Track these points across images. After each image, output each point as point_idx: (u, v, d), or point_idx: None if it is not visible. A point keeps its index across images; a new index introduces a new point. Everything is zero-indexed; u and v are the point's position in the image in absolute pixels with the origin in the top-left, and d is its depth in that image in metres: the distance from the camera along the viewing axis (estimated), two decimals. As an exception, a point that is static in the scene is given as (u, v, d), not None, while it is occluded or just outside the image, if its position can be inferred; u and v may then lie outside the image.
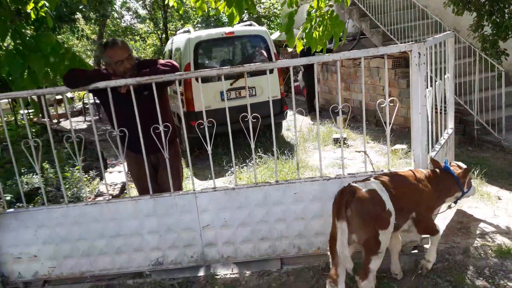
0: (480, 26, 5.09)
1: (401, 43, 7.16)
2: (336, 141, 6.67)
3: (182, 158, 4.10)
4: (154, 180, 3.57)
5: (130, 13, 24.98)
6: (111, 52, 3.21)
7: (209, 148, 3.20)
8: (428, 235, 3.02)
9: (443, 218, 3.71)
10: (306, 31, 4.11)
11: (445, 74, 4.10)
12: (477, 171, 4.68)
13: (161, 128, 3.11)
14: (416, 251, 3.29)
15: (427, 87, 3.30)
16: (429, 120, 3.38)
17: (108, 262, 3.34)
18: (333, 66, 9.03)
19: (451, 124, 4.38)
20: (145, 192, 3.42)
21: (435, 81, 3.74)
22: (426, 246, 3.18)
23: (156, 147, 3.22)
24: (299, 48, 4.39)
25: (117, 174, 6.06)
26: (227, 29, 6.99)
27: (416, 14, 7.99)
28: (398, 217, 2.63)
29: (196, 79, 6.22)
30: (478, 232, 3.54)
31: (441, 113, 3.96)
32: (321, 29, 4.02)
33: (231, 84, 6.61)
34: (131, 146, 3.31)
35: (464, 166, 3.16)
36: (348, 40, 10.24)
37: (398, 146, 6.04)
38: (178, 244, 3.31)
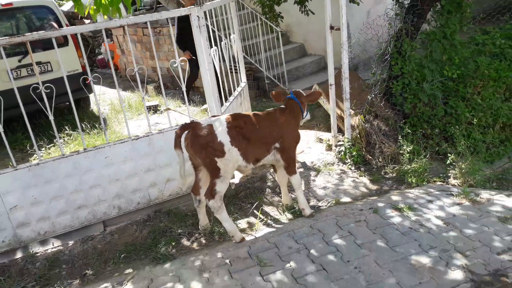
0: (259, -8, 5.77)
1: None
2: (149, 109, 6.80)
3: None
4: None
5: None
6: None
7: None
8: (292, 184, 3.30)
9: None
10: (95, -3, 4.04)
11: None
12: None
13: None
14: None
15: (212, 47, 3.73)
16: (219, 76, 3.84)
17: None
18: (135, 35, 8.95)
19: (243, 78, 5.02)
20: None
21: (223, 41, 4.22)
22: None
23: None
24: (94, 16, 4.28)
25: None
26: (3, 1, 6.16)
27: (206, -18, 8.50)
28: (255, 148, 3.05)
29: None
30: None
31: (235, 72, 4.49)
32: (110, -6, 4.00)
33: (19, 61, 5.96)
34: None
35: (303, 93, 3.39)
36: (146, 9, 10.23)
37: (206, 106, 6.54)
38: (-17, 233, 3.06)
